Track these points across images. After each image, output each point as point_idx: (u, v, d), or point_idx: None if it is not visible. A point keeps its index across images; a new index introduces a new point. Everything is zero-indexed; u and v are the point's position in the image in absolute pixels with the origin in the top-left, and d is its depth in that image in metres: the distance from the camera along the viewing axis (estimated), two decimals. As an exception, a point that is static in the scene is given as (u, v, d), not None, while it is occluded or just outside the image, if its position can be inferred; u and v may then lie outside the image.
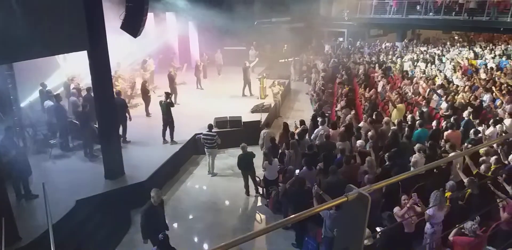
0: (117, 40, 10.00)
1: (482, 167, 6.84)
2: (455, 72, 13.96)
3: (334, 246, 1.27)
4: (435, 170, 7.32)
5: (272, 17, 19.57)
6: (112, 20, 8.56)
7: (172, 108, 10.49)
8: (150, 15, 16.58)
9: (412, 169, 7.62)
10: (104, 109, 8.36)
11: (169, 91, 13.58)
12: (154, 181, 8.83)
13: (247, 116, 12.36)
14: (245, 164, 8.77)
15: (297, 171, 7.72)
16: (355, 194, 1.17)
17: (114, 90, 9.70)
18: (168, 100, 10.35)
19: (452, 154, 7.12)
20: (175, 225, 7.92)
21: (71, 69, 12.69)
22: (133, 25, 8.22)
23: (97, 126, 9.19)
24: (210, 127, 9.78)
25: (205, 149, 9.85)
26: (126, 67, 14.87)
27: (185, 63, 17.13)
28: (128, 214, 8.10)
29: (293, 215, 1.35)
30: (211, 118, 11.45)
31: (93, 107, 8.93)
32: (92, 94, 9.02)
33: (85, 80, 12.17)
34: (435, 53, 18.32)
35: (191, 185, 9.61)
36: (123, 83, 13.40)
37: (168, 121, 10.41)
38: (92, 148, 9.67)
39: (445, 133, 8.49)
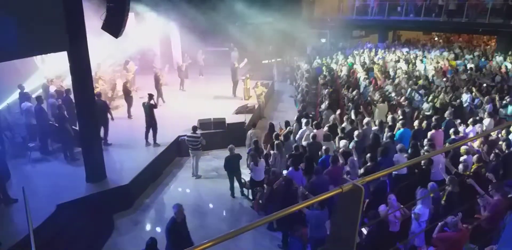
0: (97, 41, 9.84)
1: (460, 166, 6.95)
2: (435, 72, 14.20)
3: (329, 237, 1.28)
4: (416, 170, 7.43)
5: (254, 18, 19.56)
6: (93, 20, 8.41)
7: (155, 110, 10.36)
8: (131, 16, 16.39)
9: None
10: (84, 111, 8.20)
11: (155, 92, 13.55)
12: (136, 184, 8.72)
13: (231, 118, 12.32)
14: (232, 166, 8.72)
15: (285, 171, 7.73)
16: (349, 186, 1.18)
17: (95, 91, 9.53)
18: (151, 102, 10.22)
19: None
20: (159, 229, 7.81)
21: (49, 70, 12.43)
22: (114, 25, 8.09)
23: (77, 128, 9.01)
24: (194, 128, 9.72)
25: (189, 151, 9.77)
26: (107, 69, 14.64)
27: (166, 64, 16.95)
28: (111, 218, 7.96)
29: (276, 212, 1.33)
30: (195, 120, 11.37)
31: (73, 109, 8.76)
32: (72, 96, 8.83)
33: (65, 82, 11.97)
34: (416, 54, 18.63)
35: (175, 188, 9.50)
36: (104, 84, 13.18)
37: (151, 123, 10.28)
38: (72, 151, 9.48)
39: (429, 133, 8.62)
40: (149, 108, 10.19)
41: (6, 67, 9.72)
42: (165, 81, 15.06)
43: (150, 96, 10.31)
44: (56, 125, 9.68)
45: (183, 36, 19.30)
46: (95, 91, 11.50)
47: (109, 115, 10.39)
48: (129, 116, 12.60)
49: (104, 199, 8.07)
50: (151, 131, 10.32)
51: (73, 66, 7.92)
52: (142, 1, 15.92)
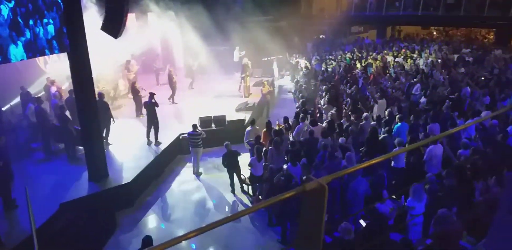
0: (97, 42, 9.94)
1: (462, 158, 7.02)
2: (433, 67, 14.22)
3: (297, 234, 1.32)
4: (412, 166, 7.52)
5: (254, 16, 19.59)
6: (92, 21, 8.51)
7: (157, 109, 10.46)
8: (131, 16, 16.51)
9: (392, 163, 7.81)
10: (86, 111, 8.29)
11: (170, 90, 13.85)
12: (139, 182, 8.84)
13: (232, 115, 12.41)
14: (230, 163, 8.81)
15: (285, 166, 7.82)
16: (313, 185, 1.22)
17: (96, 92, 9.64)
18: (152, 101, 10.33)
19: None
20: (162, 225, 7.94)
21: (52, 72, 12.57)
22: (113, 26, 8.19)
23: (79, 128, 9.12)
24: (194, 126, 9.81)
25: (190, 148, 9.87)
26: (108, 69, 14.76)
27: (167, 64, 17.03)
28: (113, 216, 8.07)
29: (265, 200, 1.37)
30: (195, 118, 11.47)
31: (75, 109, 8.87)
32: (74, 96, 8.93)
33: (67, 82, 12.11)
34: (415, 48, 18.63)
35: (176, 185, 9.61)
36: (105, 85, 13.30)
37: (153, 121, 10.39)
38: (74, 151, 9.60)
39: (428, 127, 8.69)
40: (151, 107, 10.29)
41: (8, 69, 9.85)
42: (165, 81, 15.17)
43: (152, 95, 10.41)
44: (59, 125, 9.80)
45: (184, 36, 19.38)
46: (96, 91, 11.68)
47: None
48: (138, 115, 12.70)
49: (106, 198, 8.18)
50: (152, 130, 10.43)
51: (74, 67, 8.02)
52: (142, 2, 15.99)
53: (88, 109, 8.29)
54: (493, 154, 7.17)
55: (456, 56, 16.12)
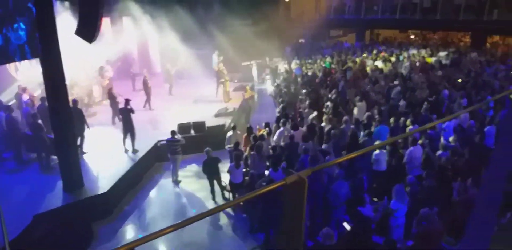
0: (71, 47, 9.69)
1: (442, 159, 7.06)
2: (412, 70, 14.40)
3: (279, 229, 1.32)
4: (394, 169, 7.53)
5: (233, 20, 19.54)
6: (66, 25, 8.28)
7: (133, 115, 10.23)
8: (106, 20, 16.24)
9: (373, 166, 7.80)
10: (59, 119, 8.02)
11: (145, 96, 13.54)
12: (116, 191, 8.59)
13: (211, 121, 12.25)
14: (211, 169, 8.65)
15: (266, 172, 7.71)
16: (294, 178, 1.18)
17: (70, 99, 9.37)
18: (128, 107, 10.09)
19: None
20: (140, 236, 7.70)
21: (23, 79, 12.20)
22: (87, 30, 7.95)
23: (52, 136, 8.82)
24: (173, 133, 9.61)
25: (169, 156, 9.66)
26: (82, 75, 14.45)
27: (144, 69, 16.78)
28: (90, 227, 7.80)
29: (243, 196, 1.35)
30: (174, 124, 11.27)
31: (48, 117, 8.58)
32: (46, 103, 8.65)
33: (40, 89, 11.76)
34: (393, 52, 18.88)
35: (155, 194, 9.38)
36: (79, 91, 12.99)
37: (129, 128, 10.14)
38: (48, 160, 9.28)
39: (407, 129, 8.74)
40: (127, 114, 10.06)
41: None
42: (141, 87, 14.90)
43: (127, 101, 10.19)
44: (31, 134, 9.47)
45: (161, 41, 19.17)
46: (70, 98, 11.35)
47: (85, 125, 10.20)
48: (114, 122, 12.39)
49: (82, 208, 7.92)
50: (128, 137, 10.17)
51: (46, 73, 7.76)
52: (118, 5, 15.73)
53: (61, 117, 8.01)
54: (471, 155, 7.25)
55: (434, 59, 16.37)
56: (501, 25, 17.83)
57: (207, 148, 8.73)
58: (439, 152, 7.55)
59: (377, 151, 7.69)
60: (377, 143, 7.75)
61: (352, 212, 6.77)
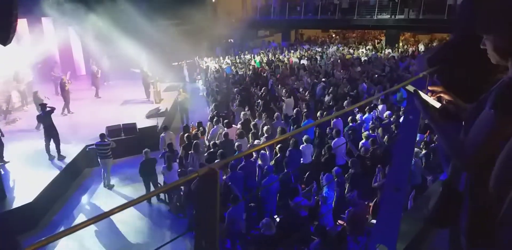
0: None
1: (362, 149, 7.64)
2: (334, 66, 15.27)
3: (195, 222, 1.35)
4: (322, 160, 8.00)
5: (159, 20, 19.20)
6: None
7: (58, 120, 9.69)
8: (23, 21, 15.16)
9: (301, 159, 8.20)
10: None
11: (62, 99, 12.76)
12: (42, 200, 8.10)
13: (143, 122, 11.99)
14: (148, 170, 8.53)
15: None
16: (205, 169, 1.25)
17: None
18: (47, 109, 9.56)
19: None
20: (71, 245, 7.36)
21: None
22: (1, 32, 7.43)
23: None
24: (102, 136, 9.28)
25: (99, 160, 9.32)
26: (-1, 80, 13.40)
27: (68, 71, 15.94)
28: (15, 239, 7.29)
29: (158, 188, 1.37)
30: (103, 127, 10.86)
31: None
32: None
33: None
34: (316, 50, 19.83)
35: (86, 201, 8.99)
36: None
37: (51, 133, 9.58)
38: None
39: (332, 121, 9.29)
40: (46, 119, 9.52)
41: None
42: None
43: (43, 105, 9.67)
44: None
45: (84, 42, 18.29)
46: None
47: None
48: (38, 128, 11.58)
49: (5, 221, 7.39)
50: (52, 142, 9.63)
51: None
52: (35, 6, 14.75)
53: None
54: (389, 143, 7.95)
55: (353, 56, 17.47)
56: (411, 23, 19.51)
57: (146, 149, 8.60)
58: (362, 141, 8.13)
59: (303, 144, 8.11)
60: (304, 137, 8.15)
61: (281, 204, 7.07)
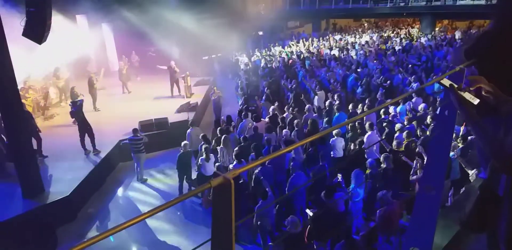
0: (23, 49, 9.27)
1: (394, 142, 7.36)
2: (366, 57, 14.82)
3: (212, 231, 1.28)
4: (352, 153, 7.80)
5: (189, 14, 19.28)
6: (13, 27, 7.91)
7: (91, 116, 9.94)
8: (58, 19, 15.60)
9: (332, 152, 8.03)
10: (12, 123, 7.70)
11: (90, 96, 13.08)
12: (79, 194, 8.37)
13: (174, 117, 12.13)
14: (185, 163, 8.63)
15: (231, 166, 7.75)
16: (219, 180, 1.17)
17: (26, 101, 8.98)
18: (77, 104, 9.84)
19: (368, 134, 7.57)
20: (111, 238, 7.57)
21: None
22: (36, 31, 7.66)
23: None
24: (135, 131, 9.45)
25: (132, 155, 9.51)
26: (37, 77, 13.87)
27: (102, 68, 16.33)
28: (54, 233, 7.58)
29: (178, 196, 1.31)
30: (136, 122, 11.07)
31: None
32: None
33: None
34: (348, 40, 19.32)
35: (120, 194, 9.23)
36: (35, 94, 12.49)
37: (85, 129, 9.86)
38: (4, 167, 8.91)
39: (364, 114, 9.01)
40: (79, 114, 9.78)
41: None
42: (101, 86, 14.49)
43: (73, 102, 9.94)
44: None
45: (117, 38, 18.66)
46: (26, 101, 10.92)
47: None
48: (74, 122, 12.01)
49: (44, 214, 7.68)
50: (87, 138, 9.91)
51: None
52: (69, 3, 15.15)
53: (15, 122, 7.70)
54: (424, 135, 7.62)
55: (387, 45, 16.89)
56: (448, 10, 18.62)
57: (184, 142, 8.70)
58: (397, 134, 7.84)
59: (334, 138, 7.92)
60: (335, 130, 7.95)
61: (313, 199, 6.94)
